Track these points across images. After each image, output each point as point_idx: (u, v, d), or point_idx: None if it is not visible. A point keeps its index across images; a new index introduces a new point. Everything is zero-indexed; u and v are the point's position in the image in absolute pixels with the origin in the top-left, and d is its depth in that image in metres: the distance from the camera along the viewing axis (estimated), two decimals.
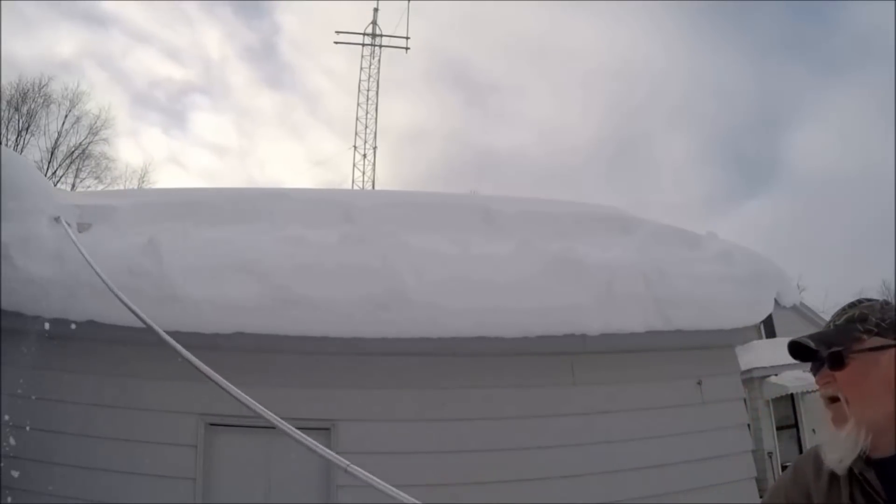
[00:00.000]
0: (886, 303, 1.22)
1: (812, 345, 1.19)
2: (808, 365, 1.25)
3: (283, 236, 4.33)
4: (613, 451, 4.36)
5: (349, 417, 4.19)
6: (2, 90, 21.99)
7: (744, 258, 4.96)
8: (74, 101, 24.75)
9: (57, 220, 4.33)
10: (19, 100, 23.24)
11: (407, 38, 27.42)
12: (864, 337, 1.16)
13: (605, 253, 4.69)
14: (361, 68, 27.42)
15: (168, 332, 3.87)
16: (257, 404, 2.13)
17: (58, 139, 23.98)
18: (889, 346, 1.14)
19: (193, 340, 3.97)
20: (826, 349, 1.18)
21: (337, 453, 4.08)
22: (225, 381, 2.21)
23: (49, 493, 3.85)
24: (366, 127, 26.75)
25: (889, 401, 1.11)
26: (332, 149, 59.04)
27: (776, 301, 4.82)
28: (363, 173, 26.30)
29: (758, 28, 53.37)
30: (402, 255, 4.25)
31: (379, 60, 27.47)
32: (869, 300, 1.24)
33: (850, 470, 1.13)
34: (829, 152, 49.83)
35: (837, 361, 1.17)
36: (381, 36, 27.62)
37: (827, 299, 24.62)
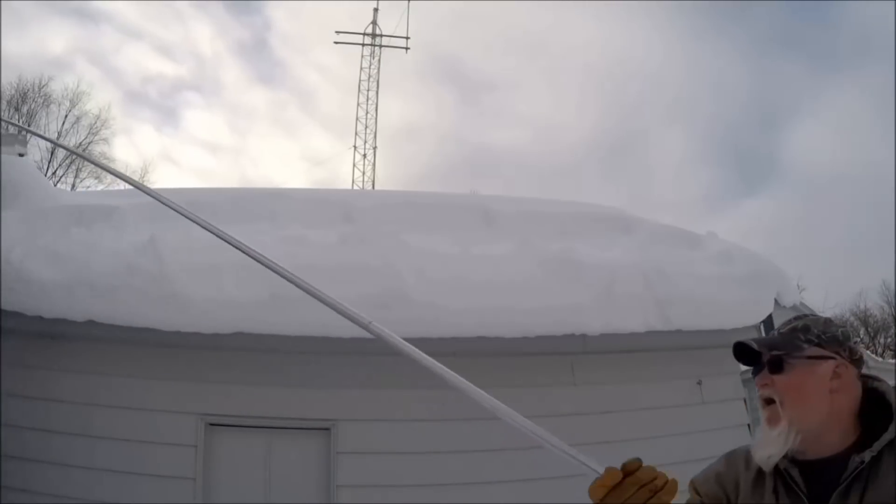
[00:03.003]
0: (829, 320, 1.31)
1: (755, 346, 1.28)
2: None
3: (283, 236, 4.32)
4: (613, 451, 4.34)
5: (349, 417, 4.20)
6: (2, 90, 22.00)
7: (744, 258, 4.97)
8: (74, 101, 24.78)
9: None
10: (19, 100, 23.26)
11: (407, 38, 27.39)
12: (805, 346, 1.24)
13: (605, 253, 4.69)
14: (361, 68, 27.38)
15: (168, 332, 3.88)
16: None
17: (58, 139, 23.96)
18: (826, 358, 1.23)
19: (194, 340, 3.98)
20: (768, 352, 1.26)
21: (337, 453, 4.13)
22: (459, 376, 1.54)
23: (49, 494, 3.85)
24: (366, 127, 26.73)
25: (821, 408, 1.20)
26: (326, 147, 58.49)
27: (776, 301, 4.82)
28: (363, 173, 26.30)
29: (756, 26, 53.34)
30: (402, 255, 4.25)
31: (379, 60, 27.46)
32: (815, 315, 1.33)
33: (776, 467, 1.22)
34: (828, 151, 49.77)
35: (777, 365, 1.25)
36: (382, 36, 27.60)
37: (827, 299, 24.68)
